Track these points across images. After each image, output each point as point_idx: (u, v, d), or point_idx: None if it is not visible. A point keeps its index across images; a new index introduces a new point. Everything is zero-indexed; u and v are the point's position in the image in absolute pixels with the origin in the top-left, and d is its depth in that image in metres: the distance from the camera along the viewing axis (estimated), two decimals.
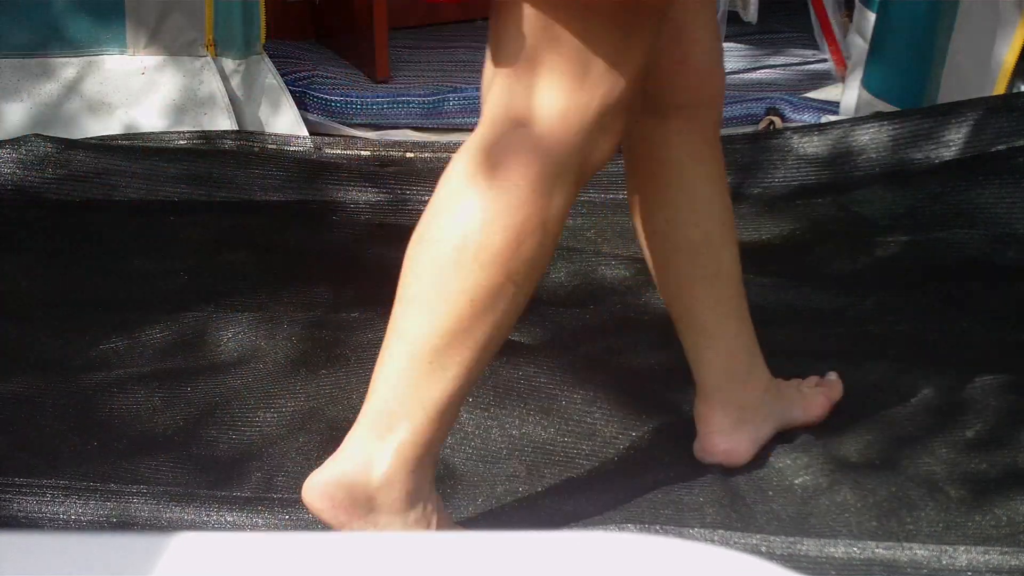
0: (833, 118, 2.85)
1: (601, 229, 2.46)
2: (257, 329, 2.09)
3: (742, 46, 3.46)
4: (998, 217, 2.40)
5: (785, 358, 2.03)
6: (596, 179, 2.60)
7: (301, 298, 2.21)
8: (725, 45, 3.21)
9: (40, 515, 1.69)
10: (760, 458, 1.78)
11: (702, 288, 1.70)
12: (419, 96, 3.05)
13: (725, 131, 2.90)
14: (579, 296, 2.22)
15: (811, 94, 3.15)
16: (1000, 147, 2.53)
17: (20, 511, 1.69)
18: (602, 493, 1.75)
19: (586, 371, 1.93)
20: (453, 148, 2.87)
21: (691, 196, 1.68)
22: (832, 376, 1.89)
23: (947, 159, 2.53)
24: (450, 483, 1.76)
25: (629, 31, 1.42)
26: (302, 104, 2.96)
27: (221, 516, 1.69)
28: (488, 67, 1.51)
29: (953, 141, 2.55)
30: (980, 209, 2.42)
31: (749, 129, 2.92)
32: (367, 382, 1.92)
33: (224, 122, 2.81)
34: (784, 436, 1.81)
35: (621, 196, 2.55)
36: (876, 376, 1.96)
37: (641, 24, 1.43)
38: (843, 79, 3.01)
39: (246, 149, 2.74)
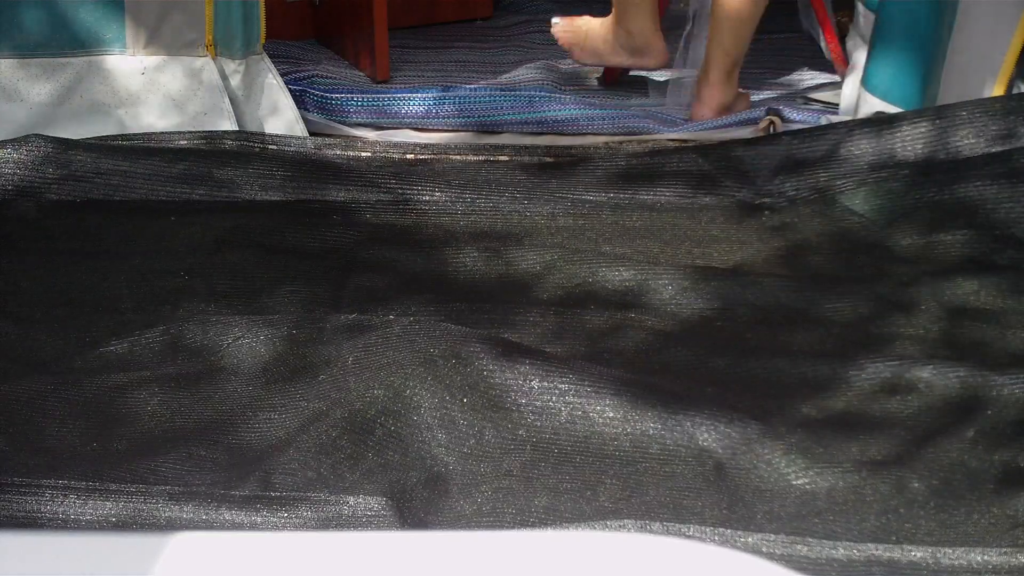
0: (834, 119, 2.85)
1: (601, 229, 2.46)
2: (257, 329, 2.09)
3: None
4: (998, 217, 2.40)
5: (785, 358, 2.03)
6: (596, 179, 2.61)
7: (301, 298, 2.22)
8: None
9: (40, 515, 1.69)
10: (760, 458, 1.78)
11: None
12: (419, 96, 3.05)
13: (725, 133, 2.92)
14: (579, 296, 2.22)
15: (811, 95, 3.15)
16: (1000, 148, 2.53)
17: (20, 511, 1.69)
18: (599, 493, 1.75)
19: (584, 371, 1.93)
20: (453, 148, 2.88)
21: None
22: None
23: (947, 160, 2.53)
24: (445, 483, 1.76)
25: None
26: (302, 104, 2.96)
27: (220, 515, 1.69)
28: None
29: (953, 142, 2.55)
30: (980, 209, 2.42)
31: (749, 131, 2.92)
32: (367, 382, 1.93)
33: (224, 122, 2.81)
34: (784, 437, 1.81)
35: (622, 196, 2.56)
36: (876, 376, 1.96)
37: None
38: (843, 77, 3.01)
39: (246, 149, 2.74)
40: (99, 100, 2.81)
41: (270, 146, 2.78)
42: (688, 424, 1.81)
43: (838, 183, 2.56)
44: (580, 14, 3.74)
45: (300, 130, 2.88)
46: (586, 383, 1.87)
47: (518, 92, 3.04)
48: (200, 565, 0.69)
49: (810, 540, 1.63)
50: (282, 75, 2.92)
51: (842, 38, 3.16)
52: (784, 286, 2.23)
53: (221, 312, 2.17)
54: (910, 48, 2.72)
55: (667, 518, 1.69)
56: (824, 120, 2.88)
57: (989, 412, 1.87)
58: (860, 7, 2.89)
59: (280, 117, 2.88)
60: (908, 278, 2.26)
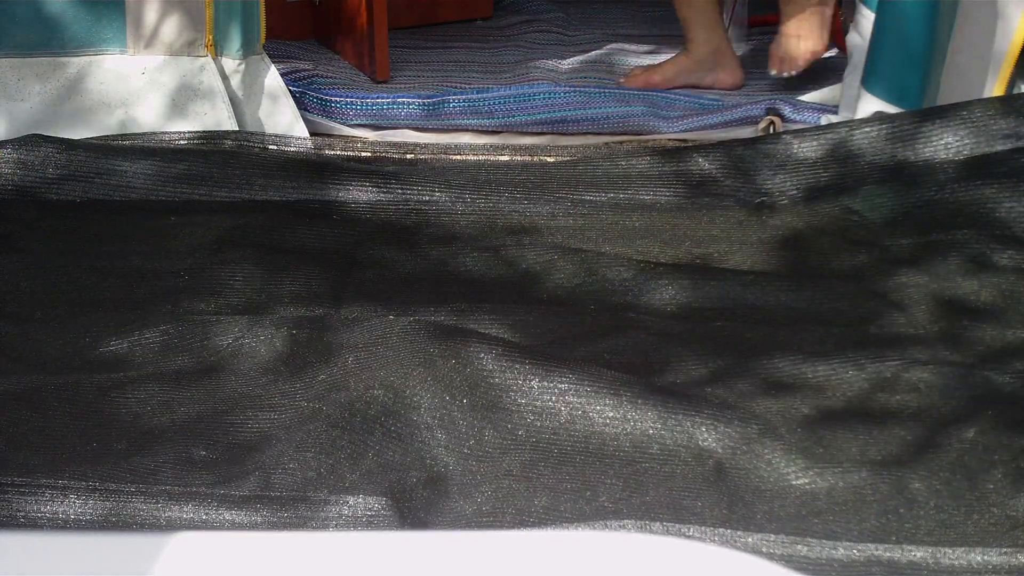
0: (834, 119, 2.85)
1: (602, 229, 2.46)
2: (256, 329, 2.09)
3: (741, 46, 3.46)
4: (998, 217, 2.40)
5: (785, 358, 2.03)
6: (596, 179, 2.61)
7: (301, 298, 2.22)
8: None
9: (40, 515, 1.70)
10: (760, 458, 1.78)
11: None
12: (419, 96, 3.05)
13: (725, 132, 2.93)
14: (579, 296, 2.22)
15: (811, 95, 3.15)
16: (1000, 148, 2.53)
17: (20, 511, 1.70)
18: (599, 493, 1.75)
19: (584, 371, 1.93)
20: (453, 148, 2.88)
21: None
22: None
23: (947, 160, 2.53)
24: (445, 483, 1.76)
25: None
26: (302, 104, 2.96)
27: (220, 515, 1.69)
28: None
29: (953, 142, 2.55)
30: (980, 209, 2.42)
31: (749, 130, 2.92)
32: (367, 382, 1.93)
33: (224, 122, 2.81)
34: (784, 437, 1.81)
35: (622, 196, 2.56)
36: (876, 376, 1.96)
37: None
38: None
39: (246, 149, 2.74)
40: (99, 100, 2.81)
41: (270, 146, 2.78)
42: (688, 424, 1.81)
43: (838, 183, 2.56)
44: (581, 14, 3.75)
45: (300, 130, 2.88)
46: (586, 383, 1.87)
47: (518, 92, 3.04)
48: (200, 565, 0.69)
49: (810, 540, 1.63)
50: (282, 75, 2.92)
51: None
52: (784, 286, 2.23)
53: (221, 312, 2.17)
54: (910, 48, 2.72)
55: (667, 518, 1.69)
56: (824, 120, 2.88)
57: (989, 412, 1.87)
58: (860, 7, 2.89)
59: (280, 117, 2.88)
60: (908, 278, 2.26)
